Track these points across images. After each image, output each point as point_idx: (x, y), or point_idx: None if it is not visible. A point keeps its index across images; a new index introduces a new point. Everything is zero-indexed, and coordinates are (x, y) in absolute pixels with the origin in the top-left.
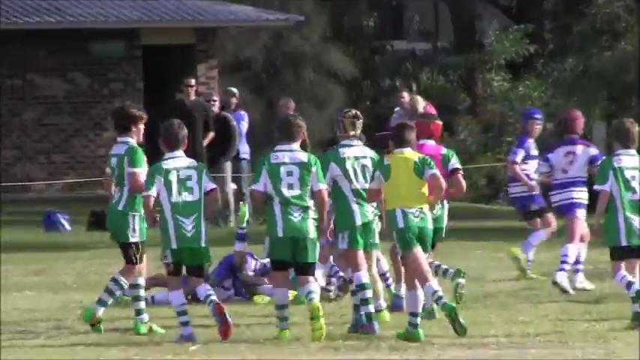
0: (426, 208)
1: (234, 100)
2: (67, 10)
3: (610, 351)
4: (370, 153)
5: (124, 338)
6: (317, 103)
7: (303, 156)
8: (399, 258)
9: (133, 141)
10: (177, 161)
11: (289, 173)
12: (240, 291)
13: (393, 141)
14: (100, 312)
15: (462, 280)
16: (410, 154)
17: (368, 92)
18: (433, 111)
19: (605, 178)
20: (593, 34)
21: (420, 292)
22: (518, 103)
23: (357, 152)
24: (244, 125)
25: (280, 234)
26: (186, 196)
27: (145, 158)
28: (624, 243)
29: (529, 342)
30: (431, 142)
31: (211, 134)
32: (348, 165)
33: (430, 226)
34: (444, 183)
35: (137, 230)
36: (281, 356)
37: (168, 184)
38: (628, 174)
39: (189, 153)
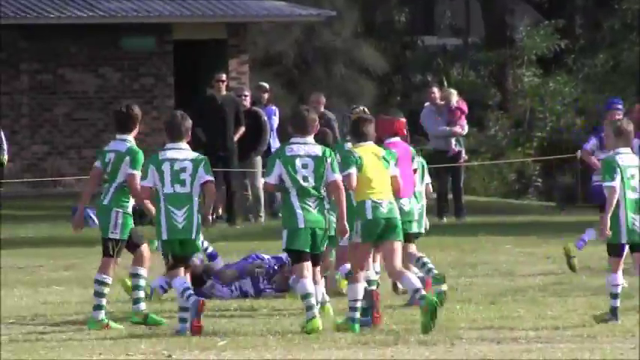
0: (392, 199)
1: (265, 96)
2: (98, 4)
3: (637, 345)
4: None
5: (152, 333)
6: (348, 98)
7: (318, 149)
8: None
9: (133, 141)
10: (176, 153)
11: (304, 166)
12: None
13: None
14: (101, 315)
15: (443, 287)
16: (375, 147)
17: (399, 87)
18: (464, 106)
19: (613, 174)
20: (624, 30)
21: (361, 285)
22: (549, 98)
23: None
24: (275, 120)
25: (301, 225)
26: (178, 188)
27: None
28: (624, 241)
29: (558, 337)
30: (397, 139)
31: (242, 129)
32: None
33: (398, 216)
34: (401, 184)
35: (119, 226)
36: (310, 350)
37: (160, 175)
38: (629, 172)
39: (221, 147)
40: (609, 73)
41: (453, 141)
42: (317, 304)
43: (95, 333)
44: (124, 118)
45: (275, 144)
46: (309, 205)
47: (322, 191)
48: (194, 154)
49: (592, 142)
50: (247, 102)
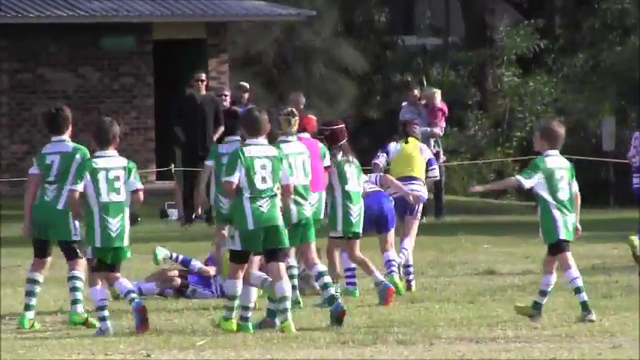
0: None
1: (245, 95)
2: (78, 4)
3: (616, 345)
4: (303, 149)
5: (131, 332)
6: (328, 97)
7: (274, 150)
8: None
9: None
10: (108, 161)
11: (263, 167)
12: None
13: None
14: (79, 309)
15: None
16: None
17: (379, 87)
18: (445, 107)
19: (531, 174)
20: (604, 30)
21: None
22: (528, 98)
23: (293, 149)
24: None
25: (251, 226)
26: (114, 197)
27: None
28: (562, 237)
29: (536, 336)
30: (306, 135)
31: (222, 129)
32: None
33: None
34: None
35: (78, 228)
36: (289, 350)
37: (96, 184)
38: (558, 174)
39: (201, 147)
40: (589, 73)
41: (432, 141)
42: (286, 299)
43: (74, 332)
44: (58, 119)
45: None
46: (261, 206)
47: (276, 190)
48: (124, 162)
49: (631, 148)
50: (227, 102)
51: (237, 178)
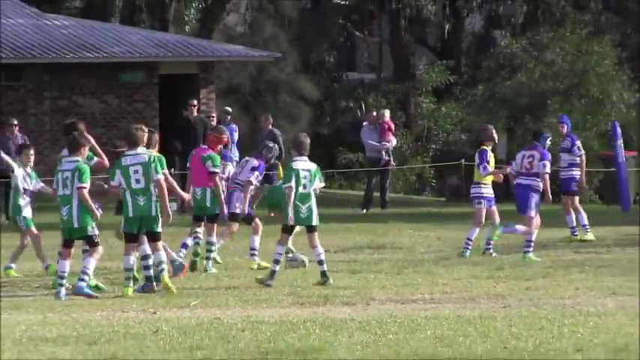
0: None
1: (228, 117)
2: (103, 48)
3: (506, 305)
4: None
5: (142, 295)
6: (290, 119)
7: (145, 156)
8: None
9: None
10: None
11: (136, 172)
12: None
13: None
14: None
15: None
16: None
17: (328, 111)
18: (391, 124)
19: (289, 178)
20: (497, 68)
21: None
22: (441, 120)
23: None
24: (235, 135)
25: (131, 214)
26: (67, 191)
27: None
28: (292, 223)
29: (446, 299)
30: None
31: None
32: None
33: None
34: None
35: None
36: (260, 308)
37: (56, 181)
38: (302, 174)
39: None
40: (486, 101)
41: (384, 152)
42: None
43: (101, 295)
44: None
45: (235, 152)
46: (139, 200)
47: (152, 187)
48: (75, 165)
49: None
50: (214, 121)
51: (117, 182)
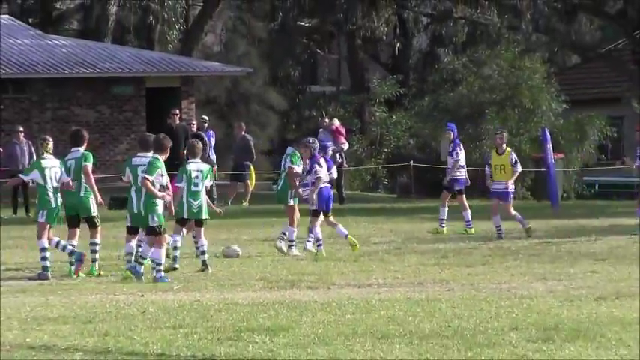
0: None
1: (206, 125)
2: (97, 64)
3: (450, 289)
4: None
5: (131, 280)
6: (260, 126)
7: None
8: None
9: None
10: (141, 160)
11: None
12: None
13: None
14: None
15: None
16: None
17: (294, 119)
18: (342, 129)
19: (181, 178)
20: (441, 82)
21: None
22: (392, 126)
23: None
24: (212, 140)
25: (135, 210)
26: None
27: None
28: (186, 216)
29: (398, 283)
30: None
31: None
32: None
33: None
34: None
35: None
36: (235, 292)
37: (134, 173)
38: (193, 175)
39: (176, 158)
40: (432, 110)
41: (338, 155)
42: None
43: (91, 279)
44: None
45: (212, 156)
46: (141, 197)
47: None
48: (148, 160)
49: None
50: (194, 128)
51: (127, 178)
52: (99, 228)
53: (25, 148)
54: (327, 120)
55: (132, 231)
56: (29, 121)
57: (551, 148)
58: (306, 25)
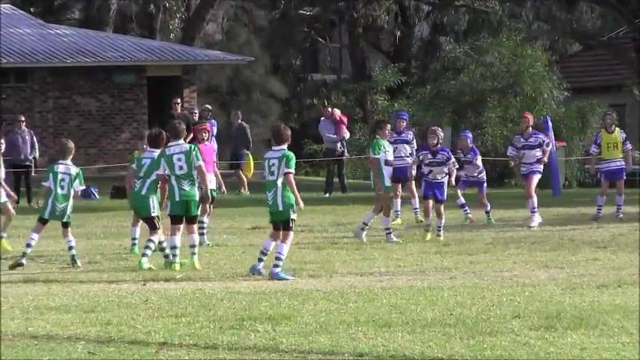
0: None
1: (208, 113)
2: (98, 53)
3: (452, 277)
4: None
5: (134, 269)
6: (262, 115)
7: (187, 146)
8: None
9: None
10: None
11: (179, 159)
12: None
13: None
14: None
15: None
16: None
17: (295, 108)
18: (345, 119)
19: (47, 178)
20: (443, 70)
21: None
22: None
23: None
24: (214, 129)
25: (177, 198)
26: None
27: None
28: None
29: (400, 272)
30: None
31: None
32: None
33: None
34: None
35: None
36: (237, 281)
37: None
38: (59, 177)
39: None
40: (434, 98)
41: (339, 144)
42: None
43: (101, 269)
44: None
45: (214, 145)
46: (183, 186)
47: (194, 174)
48: (281, 153)
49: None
50: (196, 117)
51: (162, 170)
52: (159, 230)
53: (26, 137)
54: (329, 109)
55: (176, 221)
56: (31, 111)
57: (553, 136)
58: (308, 13)
